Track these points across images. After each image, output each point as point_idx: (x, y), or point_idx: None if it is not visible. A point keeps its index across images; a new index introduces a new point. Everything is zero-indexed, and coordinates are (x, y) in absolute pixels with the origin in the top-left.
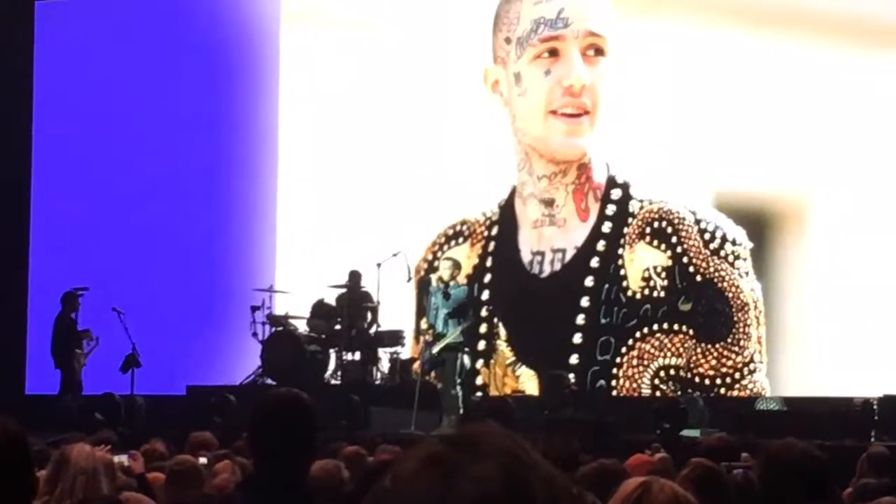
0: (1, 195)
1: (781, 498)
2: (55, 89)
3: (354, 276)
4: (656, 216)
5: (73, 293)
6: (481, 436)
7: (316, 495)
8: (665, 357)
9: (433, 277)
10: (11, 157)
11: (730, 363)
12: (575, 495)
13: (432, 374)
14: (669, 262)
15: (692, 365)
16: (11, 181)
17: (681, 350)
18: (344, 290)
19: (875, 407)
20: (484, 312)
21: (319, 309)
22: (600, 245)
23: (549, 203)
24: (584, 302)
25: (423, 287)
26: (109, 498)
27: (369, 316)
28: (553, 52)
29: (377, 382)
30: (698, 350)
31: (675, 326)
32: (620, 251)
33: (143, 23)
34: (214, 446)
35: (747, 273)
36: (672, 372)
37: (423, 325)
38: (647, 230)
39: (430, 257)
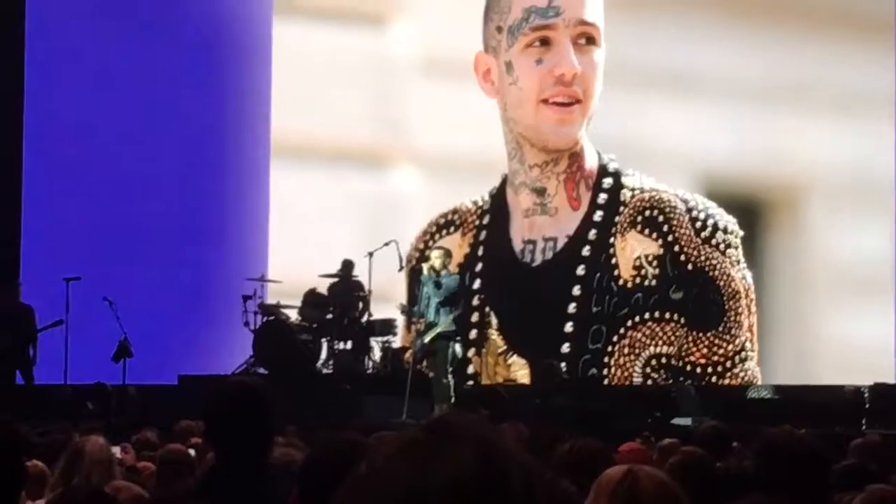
0: None
1: (776, 486)
2: (47, 78)
3: (346, 266)
4: (647, 205)
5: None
6: (456, 422)
7: (279, 480)
8: (656, 346)
9: (425, 267)
10: (2, 147)
11: (721, 351)
12: (549, 481)
13: (424, 363)
14: (661, 251)
15: (683, 353)
16: (2, 171)
17: (672, 338)
18: (336, 280)
19: (866, 395)
20: (475, 301)
21: (311, 298)
22: (592, 234)
23: (541, 192)
24: (576, 290)
25: (414, 276)
26: (95, 488)
27: (361, 305)
28: (544, 42)
29: (369, 371)
30: (690, 338)
31: (667, 315)
32: (612, 240)
33: (134, 12)
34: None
35: (739, 261)
36: (663, 360)
37: (415, 314)
38: (639, 219)
39: (421, 246)
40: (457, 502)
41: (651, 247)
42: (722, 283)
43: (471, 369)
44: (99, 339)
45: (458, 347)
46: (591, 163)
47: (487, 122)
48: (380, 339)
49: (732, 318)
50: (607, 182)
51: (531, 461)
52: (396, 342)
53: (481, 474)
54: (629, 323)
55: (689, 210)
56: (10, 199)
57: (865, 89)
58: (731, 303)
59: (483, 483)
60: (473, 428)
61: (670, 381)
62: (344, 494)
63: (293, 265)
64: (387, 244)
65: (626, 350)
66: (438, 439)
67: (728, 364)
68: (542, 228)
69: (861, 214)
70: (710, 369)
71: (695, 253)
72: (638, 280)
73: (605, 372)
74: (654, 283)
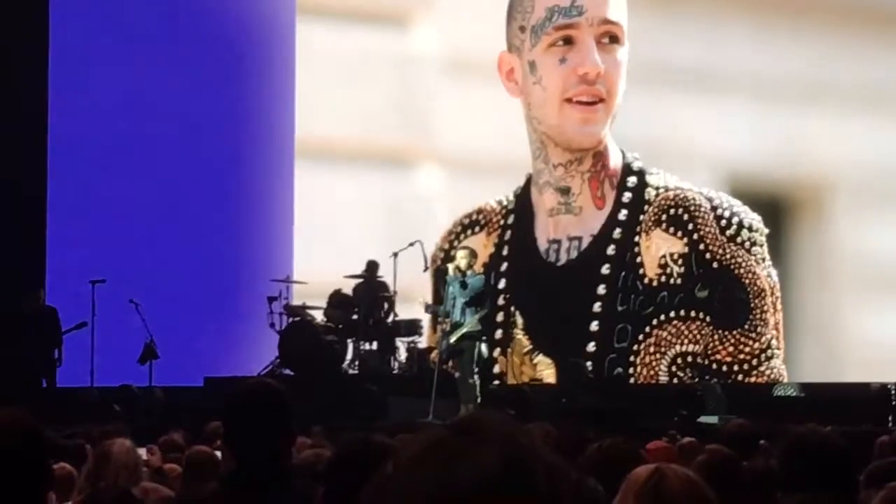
0: (17, 187)
1: (802, 484)
2: (70, 81)
3: (371, 267)
4: (672, 203)
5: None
6: (483, 422)
7: (303, 480)
8: (682, 344)
9: (450, 267)
10: (28, 149)
11: (747, 349)
12: (575, 480)
13: (450, 363)
14: (686, 249)
15: (709, 352)
16: (28, 173)
17: (698, 337)
18: (360, 281)
19: (892, 392)
20: (501, 301)
21: (336, 299)
22: (616, 233)
23: (565, 191)
24: (601, 290)
25: (439, 276)
26: (122, 490)
27: (386, 306)
28: (568, 41)
29: (395, 372)
30: (715, 337)
31: (692, 313)
32: (637, 238)
33: (159, 14)
34: None
35: (764, 259)
36: (689, 359)
37: (440, 314)
38: (664, 217)
39: (446, 246)
40: (482, 502)
41: (676, 245)
42: (747, 281)
43: (497, 369)
44: (125, 341)
45: (483, 347)
46: (615, 161)
47: (511, 122)
48: (405, 339)
49: (758, 316)
50: (632, 181)
51: (557, 460)
52: (422, 342)
53: (507, 474)
54: (655, 322)
55: (714, 208)
56: (37, 202)
57: (891, 86)
58: (756, 301)
59: (509, 482)
60: (499, 427)
61: (696, 380)
62: (370, 495)
63: (318, 266)
64: (411, 244)
65: (651, 349)
66: (464, 439)
67: (754, 362)
68: (566, 228)
69: (886, 211)
70: (735, 367)
71: (720, 251)
72: (663, 279)
73: (630, 371)
74: (679, 281)
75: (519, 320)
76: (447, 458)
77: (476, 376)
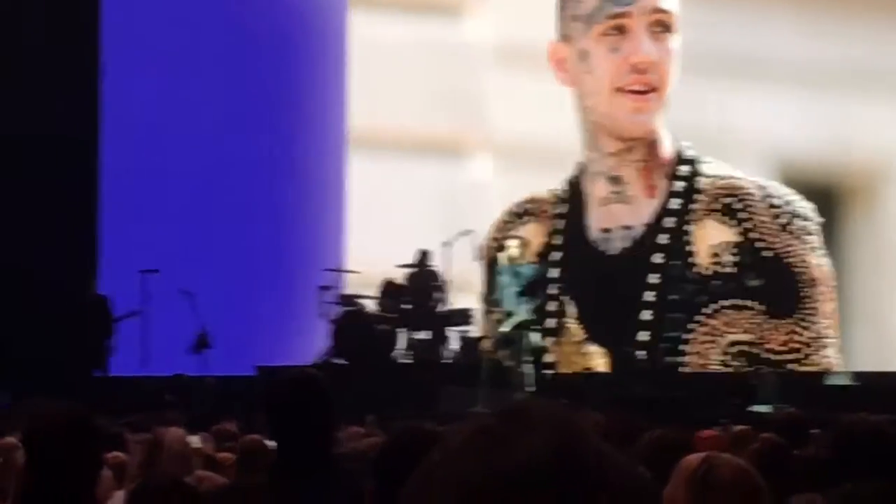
0: (71, 178)
1: (853, 473)
2: (124, 70)
3: (423, 256)
4: (725, 192)
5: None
6: (531, 409)
7: (351, 470)
8: (734, 333)
9: (502, 256)
10: (81, 141)
11: (800, 339)
12: (625, 467)
13: (502, 352)
14: (738, 238)
15: (762, 341)
16: (81, 164)
17: (750, 326)
18: (413, 270)
19: None
20: (552, 290)
21: (388, 288)
22: (668, 222)
23: (617, 180)
24: (653, 279)
25: (491, 266)
26: (175, 478)
27: (438, 295)
28: (620, 29)
29: (446, 361)
30: (768, 326)
31: (745, 302)
32: (689, 227)
33: (212, 7)
34: None
35: (817, 248)
36: (742, 348)
37: (492, 303)
38: (716, 206)
39: (498, 236)
40: (531, 489)
41: (728, 234)
42: (800, 270)
43: (549, 358)
44: (178, 331)
45: (535, 337)
46: (667, 151)
47: (563, 111)
48: (457, 328)
49: (810, 305)
50: (684, 170)
51: (607, 448)
52: (474, 332)
53: (556, 461)
54: (707, 310)
55: (767, 197)
56: (89, 192)
57: None
58: (809, 290)
59: (558, 470)
60: (548, 414)
61: (748, 369)
62: (416, 482)
63: (370, 256)
64: (463, 234)
65: (703, 338)
66: (512, 426)
67: (806, 351)
68: (618, 217)
69: None
70: (788, 356)
71: (772, 240)
72: (715, 268)
73: (682, 360)
74: (731, 270)
75: (571, 309)
76: (495, 444)
77: (528, 366)
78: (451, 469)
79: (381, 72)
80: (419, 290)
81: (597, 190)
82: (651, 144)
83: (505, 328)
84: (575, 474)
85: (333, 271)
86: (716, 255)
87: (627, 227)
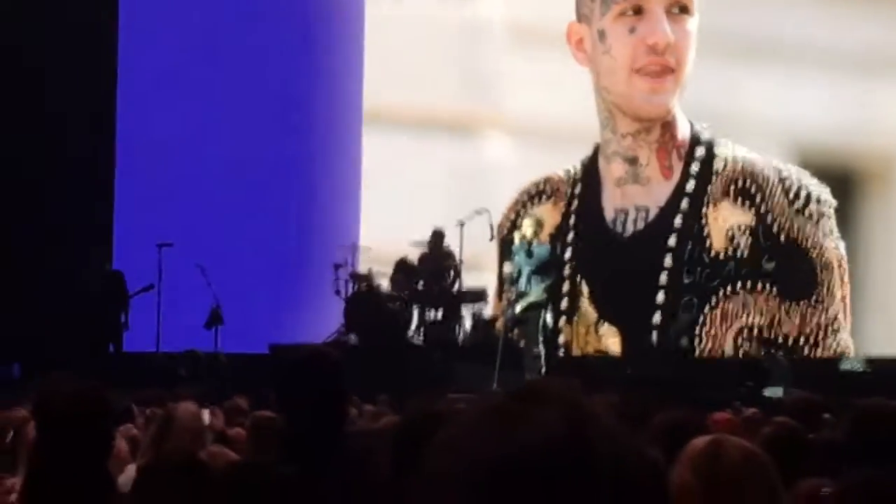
0: (86, 153)
1: (868, 457)
2: (140, 49)
3: (437, 235)
4: (740, 174)
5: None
6: (544, 388)
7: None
8: (748, 316)
9: (516, 236)
10: (96, 113)
11: (814, 322)
12: (636, 448)
13: (515, 332)
14: (753, 221)
15: (775, 324)
16: (97, 138)
17: (764, 309)
18: (426, 249)
19: None
20: (567, 271)
21: (402, 267)
22: (684, 203)
23: (633, 161)
24: (668, 261)
25: (505, 246)
26: (188, 453)
27: (452, 274)
28: (637, 10)
29: (459, 340)
30: (782, 309)
31: (759, 285)
32: (704, 210)
33: None
34: None
35: (832, 232)
36: (755, 331)
37: (506, 283)
38: (731, 189)
39: (512, 216)
40: (542, 469)
41: (744, 217)
42: (815, 254)
43: (562, 339)
44: (191, 306)
45: (549, 317)
46: (683, 132)
47: (580, 91)
48: (471, 307)
49: (825, 289)
50: (700, 151)
51: (619, 428)
52: (487, 311)
53: (567, 441)
54: (721, 293)
55: (783, 180)
56: (105, 166)
57: None
58: (823, 273)
59: (569, 449)
60: (560, 394)
61: (762, 352)
62: (428, 459)
63: (384, 234)
64: (478, 213)
65: (717, 321)
66: (524, 405)
67: (820, 335)
68: (633, 198)
69: None
70: (801, 340)
71: (788, 223)
72: (730, 250)
73: (696, 342)
74: (746, 253)
75: (584, 290)
76: (507, 422)
77: (541, 346)
78: (465, 446)
79: (398, 50)
80: (433, 269)
81: (613, 171)
82: (667, 126)
83: (518, 308)
84: (587, 455)
85: (347, 249)
86: (731, 237)
87: (642, 209)
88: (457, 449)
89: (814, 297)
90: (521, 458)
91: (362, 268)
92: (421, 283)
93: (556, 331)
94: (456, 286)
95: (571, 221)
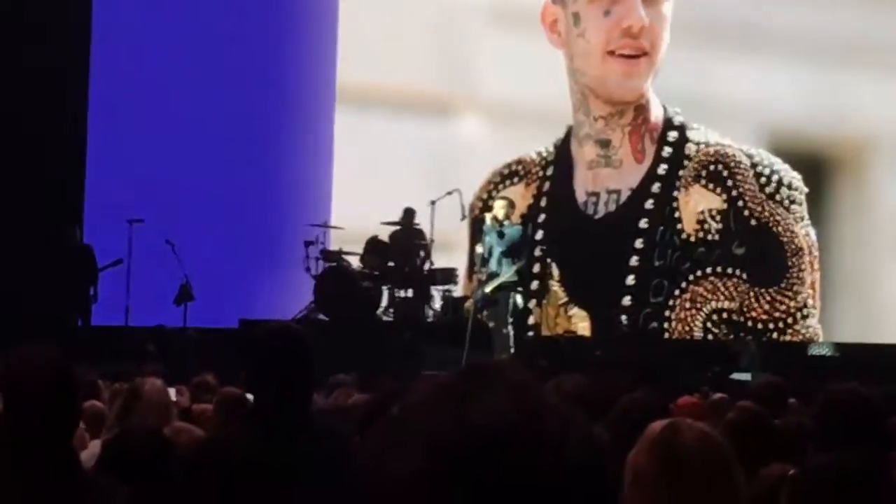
0: (58, 127)
1: (834, 442)
2: (113, 26)
3: (408, 214)
4: (712, 159)
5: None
6: (491, 368)
7: (326, 424)
8: (718, 300)
9: (487, 216)
10: (68, 88)
11: (783, 308)
12: (583, 427)
13: (485, 312)
14: (724, 206)
15: (745, 309)
16: (68, 113)
17: (734, 294)
18: (397, 228)
19: None
20: (537, 252)
21: (373, 245)
22: (655, 187)
23: (606, 144)
24: (638, 244)
25: (477, 226)
26: (151, 428)
27: (422, 253)
28: None
29: (429, 320)
30: (751, 294)
31: (729, 270)
32: (675, 193)
33: None
34: None
35: (803, 218)
36: (725, 315)
37: (477, 263)
38: (703, 173)
39: (484, 196)
40: (490, 447)
41: (715, 201)
42: (785, 240)
43: (531, 320)
44: (161, 281)
45: (518, 298)
46: (656, 116)
47: (553, 73)
48: (441, 287)
49: (795, 275)
50: (672, 135)
51: (566, 407)
52: (457, 291)
53: (515, 420)
54: (691, 277)
55: (754, 165)
56: (75, 140)
57: None
58: (794, 259)
59: (517, 428)
60: (508, 374)
61: (731, 337)
62: (375, 437)
63: (356, 212)
64: (450, 193)
65: (687, 304)
66: (472, 384)
67: (789, 320)
68: (605, 181)
69: None
70: (771, 325)
71: (759, 208)
72: (701, 234)
73: (665, 326)
74: (717, 237)
75: (555, 272)
76: (456, 401)
77: (510, 327)
78: (410, 425)
79: (372, 29)
80: (403, 248)
81: (585, 153)
82: (640, 109)
83: (488, 289)
84: (534, 433)
85: (318, 226)
86: (701, 221)
87: (614, 192)
88: (403, 428)
89: (784, 283)
90: (469, 435)
91: (333, 246)
92: (391, 261)
93: (525, 312)
94: (426, 266)
95: (543, 203)
